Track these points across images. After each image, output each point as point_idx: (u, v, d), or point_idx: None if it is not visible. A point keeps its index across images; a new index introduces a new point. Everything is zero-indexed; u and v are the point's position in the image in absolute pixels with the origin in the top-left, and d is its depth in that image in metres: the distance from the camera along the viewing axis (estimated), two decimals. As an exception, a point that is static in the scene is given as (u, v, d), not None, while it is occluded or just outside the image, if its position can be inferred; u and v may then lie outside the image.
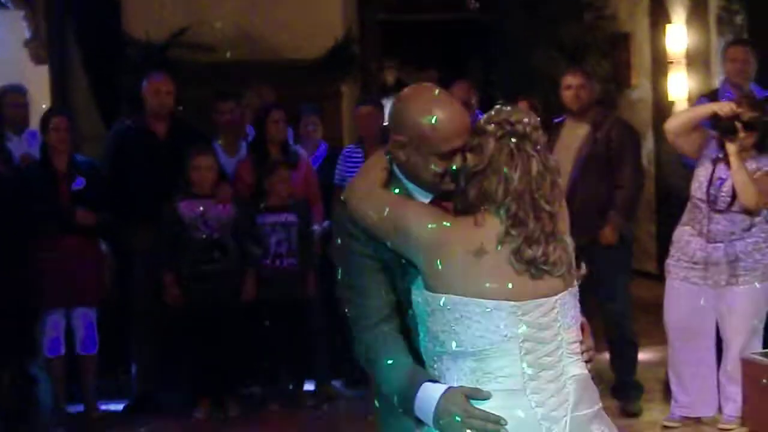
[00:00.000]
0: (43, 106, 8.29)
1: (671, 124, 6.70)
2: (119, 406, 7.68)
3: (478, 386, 2.99)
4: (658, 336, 7.00)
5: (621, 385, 7.17)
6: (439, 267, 3.01)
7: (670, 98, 11.01)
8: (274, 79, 8.93)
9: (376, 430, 3.42)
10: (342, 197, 3.28)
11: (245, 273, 7.42)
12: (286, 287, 7.46)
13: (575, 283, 3.14)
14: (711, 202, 6.43)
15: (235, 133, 8.12)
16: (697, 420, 6.68)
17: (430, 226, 3.04)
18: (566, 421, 3.01)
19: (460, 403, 2.96)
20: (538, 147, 3.06)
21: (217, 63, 9.13)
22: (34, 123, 7.89)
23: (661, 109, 11.22)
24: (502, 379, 2.99)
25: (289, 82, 9.20)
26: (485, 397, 2.97)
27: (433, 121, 3.12)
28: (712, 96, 7.10)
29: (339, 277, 3.27)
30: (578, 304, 3.16)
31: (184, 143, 7.49)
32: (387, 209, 3.11)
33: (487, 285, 2.99)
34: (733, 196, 6.36)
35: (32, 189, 7.21)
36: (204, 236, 7.33)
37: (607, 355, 7.37)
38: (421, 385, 3.03)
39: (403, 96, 3.27)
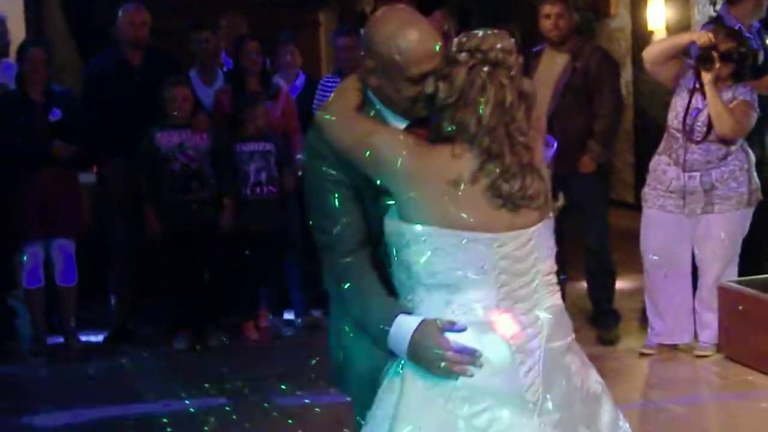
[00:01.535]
0: (18, 36, 8.21)
1: (649, 53, 6.69)
2: (99, 338, 7.70)
3: (452, 318, 2.95)
4: (636, 265, 7.05)
5: (599, 313, 7.23)
6: (415, 196, 2.94)
7: (649, 28, 10.98)
8: (250, 8, 8.85)
9: (336, 358, 3.36)
10: (315, 120, 3.19)
11: (223, 202, 7.41)
12: (265, 216, 7.46)
13: (551, 214, 3.08)
14: (687, 132, 6.44)
15: (211, 62, 8.06)
16: (674, 347, 6.75)
17: (405, 153, 2.96)
18: (540, 353, 2.98)
19: (434, 335, 2.92)
20: (513, 73, 2.96)
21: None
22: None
23: (640, 38, 11.20)
24: (477, 311, 2.95)
25: (265, 11, 9.12)
26: (460, 329, 2.93)
27: (401, 44, 3.02)
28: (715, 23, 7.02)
29: (309, 204, 3.19)
30: (553, 235, 3.11)
31: (160, 73, 7.43)
32: (361, 134, 3.03)
33: (464, 216, 2.92)
34: (709, 126, 6.38)
35: (8, 120, 7.16)
36: (182, 166, 7.30)
37: (584, 284, 7.43)
38: (395, 317, 2.99)
39: (372, 19, 3.16)
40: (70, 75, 8.27)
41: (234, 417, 6.02)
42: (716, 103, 6.31)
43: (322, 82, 8.02)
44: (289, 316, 7.89)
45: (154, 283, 7.72)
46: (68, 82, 8.10)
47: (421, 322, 2.95)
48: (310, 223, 3.20)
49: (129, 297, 7.79)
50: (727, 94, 6.39)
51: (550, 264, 3.08)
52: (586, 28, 11.42)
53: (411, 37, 3.03)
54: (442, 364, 2.91)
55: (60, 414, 6.25)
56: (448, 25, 8.07)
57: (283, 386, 6.42)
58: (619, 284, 7.47)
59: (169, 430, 5.87)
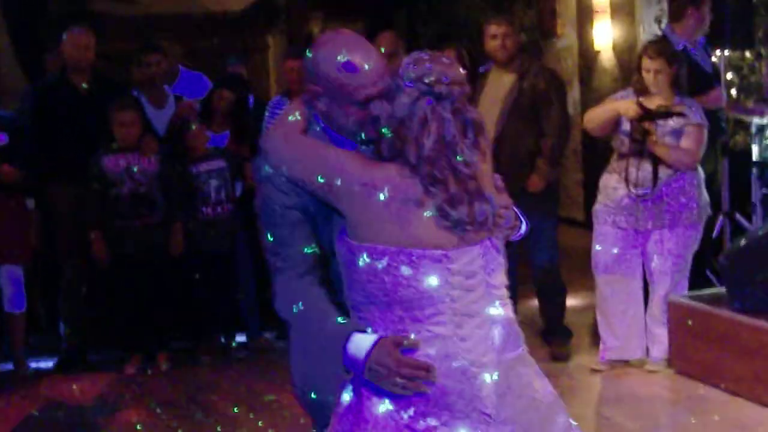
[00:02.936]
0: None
1: (589, 127, 6.86)
2: (49, 364, 7.62)
3: (407, 334, 2.96)
4: (586, 282, 7.09)
5: (550, 330, 7.25)
6: (365, 215, 2.96)
7: (596, 47, 11.08)
8: (199, 30, 8.86)
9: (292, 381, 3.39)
10: (260, 146, 3.20)
11: (173, 226, 7.36)
12: (222, 236, 7.45)
13: (500, 231, 3.11)
14: (637, 155, 6.51)
15: (162, 85, 8.04)
16: (625, 362, 6.79)
17: (355, 173, 2.98)
18: (494, 366, 3.01)
19: (390, 353, 2.93)
20: (457, 105, 2.99)
21: (140, 16, 9.03)
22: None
23: (587, 58, 11.30)
24: (431, 326, 2.97)
25: (215, 35, 9.12)
26: (415, 345, 2.95)
27: (345, 68, 3.06)
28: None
29: (262, 227, 3.20)
30: (503, 249, 3.14)
31: (106, 97, 7.39)
32: (309, 156, 3.06)
33: (414, 234, 2.95)
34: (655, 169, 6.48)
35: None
36: (130, 191, 7.25)
37: (535, 302, 7.46)
38: (350, 336, 2.98)
39: (316, 44, 3.17)
40: (17, 99, 8.19)
41: (186, 441, 6.00)
42: (667, 154, 6.42)
43: (270, 104, 8.03)
44: (241, 338, 7.86)
45: (104, 309, 7.65)
46: (14, 106, 8.03)
47: (378, 340, 2.95)
48: (263, 245, 3.20)
49: (79, 323, 7.70)
50: (678, 121, 6.46)
51: (500, 278, 3.10)
52: (532, 47, 11.52)
53: (355, 61, 3.06)
54: (399, 380, 2.92)
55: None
56: (396, 45, 8.09)
57: (235, 410, 6.39)
58: (570, 301, 7.51)
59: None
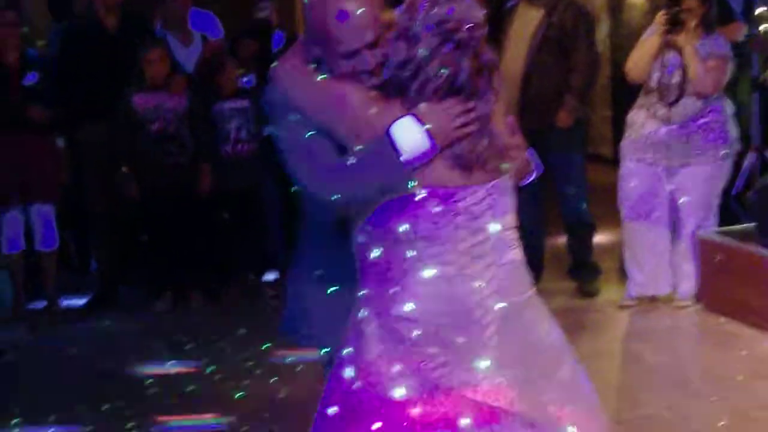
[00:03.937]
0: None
1: (635, 73, 6.62)
2: (81, 301, 7.70)
3: (414, 273, 2.95)
4: (614, 219, 7.07)
5: (578, 266, 7.26)
6: None
7: (625, -19, 10.97)
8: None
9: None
10: (270, 76, 3.16)
11: (201, 165, 7.39)
12: (246, 174, 7.46)
13: (509, 172, 3.08)
14: (663, 89, 6.44)
15: (188, 23, 8.03)
16: (653, 298, 6.80)
17: (358, 114, 2.95)
18: (499, 308, 2.99)
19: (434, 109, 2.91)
20: (474, 47, 2.93)
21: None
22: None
23: (616, -8, 11.19)
24: (437, 266, 2.95)
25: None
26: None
27: (331, 20, 2.97)
28: None
29: (289, 156, 3.08)
30: (512, 191, 3.10)
31: (135, 36, 7.39)
32: (313, 92, 3.02)
33: (420, 172, 2.94)
34: (681, 87, 6.37)
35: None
36: (159, 129, 7.28)
37: (564, 239, 7.46)
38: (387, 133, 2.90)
39: None
40: (44, 38, 8.21)
41: (217, 377, 6.05)
42: (696, 64, 6.32)
43: (298, 41, 8.00)
44: (270, 275, 7.91)
45: (135, 247, 7.71)
46: (43, 45, 8.05)
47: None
48: (293, 175, 3.09)
49: (110, 261, 7.78)
50: (703, 50, 6.40)
51: (509, 219, 3.07)
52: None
53: (348, 9, 2.97)
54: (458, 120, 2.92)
55: (44, 376, 6.28)
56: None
57: (266, 345, 6.44)
58: (598, 238, 7.50)
59: (152, 390, 5.90)
